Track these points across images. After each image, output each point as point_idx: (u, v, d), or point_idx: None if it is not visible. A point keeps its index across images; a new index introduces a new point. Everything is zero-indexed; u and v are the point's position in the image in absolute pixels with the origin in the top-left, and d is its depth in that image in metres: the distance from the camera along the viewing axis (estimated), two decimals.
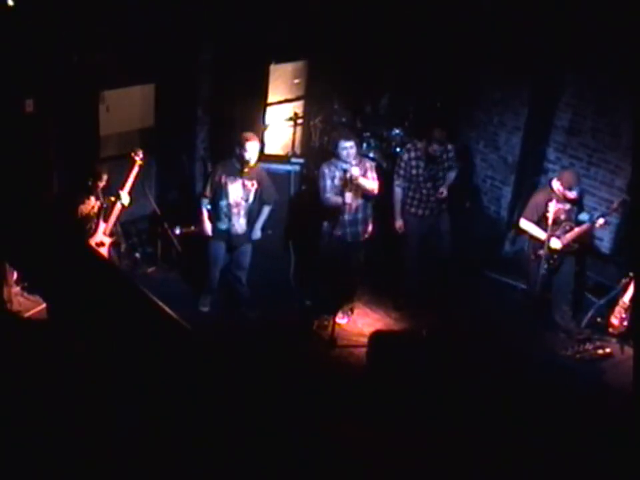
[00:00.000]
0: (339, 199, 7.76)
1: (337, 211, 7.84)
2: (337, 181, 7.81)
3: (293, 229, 9.24)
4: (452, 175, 8.56)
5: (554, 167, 9.80)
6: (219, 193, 7.78)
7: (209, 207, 7.89)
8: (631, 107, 8.31)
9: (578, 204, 8.18)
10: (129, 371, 2.47)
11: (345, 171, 7.71)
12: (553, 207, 7.88)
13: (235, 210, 7.81)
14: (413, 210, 8.48)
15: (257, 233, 8.02)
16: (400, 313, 8.59)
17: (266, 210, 7.99)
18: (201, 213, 7.91)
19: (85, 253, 3.04)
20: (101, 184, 7.52)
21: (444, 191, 8.39)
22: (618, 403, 7.12)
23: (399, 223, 8.48)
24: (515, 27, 9.39)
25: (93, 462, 2.71)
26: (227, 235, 7.92)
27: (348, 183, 7.71)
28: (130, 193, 7.65)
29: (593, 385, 7.76)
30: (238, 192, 7.78)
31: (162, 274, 8.82)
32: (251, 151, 7.68)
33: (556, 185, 8.03)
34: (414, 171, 8.34)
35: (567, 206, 8.03)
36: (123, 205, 7.63)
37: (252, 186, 7.79)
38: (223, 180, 7.75)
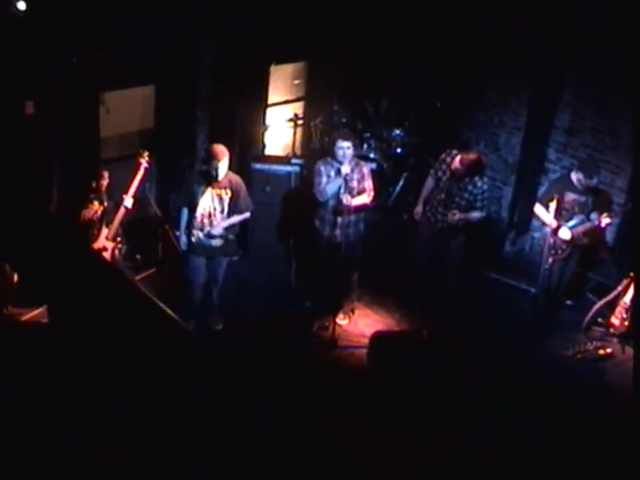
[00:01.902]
0: (334, 187, 7.75)
1: (331, 209, 7.88)
2: (331, 179, 7.82)
3: (294, 230, 9.23)
4: (474, 215, 8.01)
5: (554, 167, 9.81)
6: (195, 202, 7.52)
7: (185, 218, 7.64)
8: (631, 106, 8.32)
9: (594, 201, 8.10)
10: (130, 372, 2.47)
11: (339, 202, 7.71)
12: (567, 196, 7.98)
13: (206, 221, 7.54)
14: (428, 215, 8.29)
15: (217, 229, 7.55)
16: (401, 313, 8.58)
17: (240, 216, 7.66)
18: (179, 226, 7.70)
19: (85, 256, 3.04)
20: (104, 182, 7.49)
21: (457, 214, 7.90)
22: (619, 403, 7.12)
23: (418, 208, 8.33)
24: (515, 27, 9.39)
25: (92, 462, 2.71)
26: (201, 246, 7.66)
27: (341, 210, 7.75)
28: (134, 196, 7.58)
29: (594, 385, 7.75)
30: (210, 202, 7.50)
31: (163, 276, 8.81)
32: (222, 167, 7.36)
33: (575, 176, 8.04)
34: (439, 173, 8.13)
35: (582, 198, 8.04)
36: (126, 208, 7.53)
37: (225, 195, 7.49)
38: (196, 189, 7.51)
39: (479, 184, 7.95)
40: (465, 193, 7.96)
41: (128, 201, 7.50)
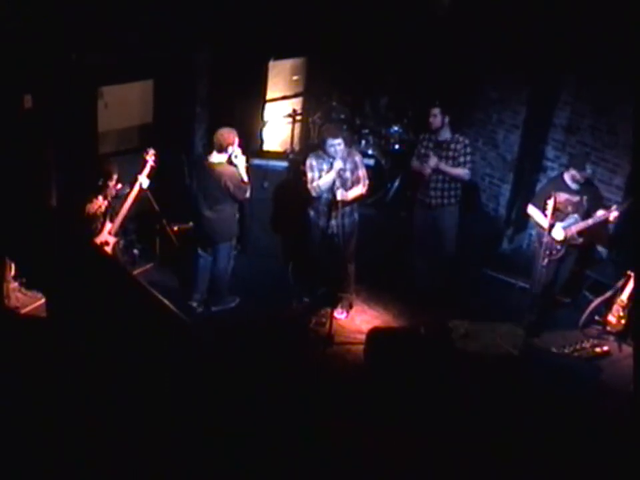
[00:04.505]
0: (329, 181, 7.77)
1: (325, 201, 7.91)
2: (324, 174, 7.83)
3: (291, 225, 9.23)
4: (459, 171, 8.31)
5: (552, 164, 9.81)
6: None
7: None
8: (630, 104, 8.31)
9: (589, 199, 8.08)
10: (130, 365, 2.47)
11: (334, 196, 7.78)
12: (559, 197, 7.93)
13: None
14: (419, 196, 8.58)
15: None
16: (398, 309, 8.59)
17: None
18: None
19: (86, 249, 3.04)
20: (111, 183, 7.52)
21: (435, 161, 8.23)
22: (616, 400, 7.13)
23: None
24: (514, 25, 9.38)
25: (92, 462, 2.71)
26: None
27: (336, 205, 7.80)
28: (149, 176, 7.67)
29: (590, 383, 7.76)
30: None
31: (160, 270, 8.82)
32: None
33: (567, 175, 8.04)
34: (423, 151, 8.44)
35: (576, 198, 8.02)
36: (141, 188, 7.62)
37: None
38: None
39: (461, 139, 8.38)
40: (449, 152, 8.29)
41: (144, 180, 7.60)
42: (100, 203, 7.53)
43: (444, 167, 8.26)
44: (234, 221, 8.07)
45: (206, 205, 7.84)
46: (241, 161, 7.73)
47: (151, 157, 7.69)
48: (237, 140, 7.72)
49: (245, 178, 7.78)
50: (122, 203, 7.59)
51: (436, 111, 8.23)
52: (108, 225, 7.57)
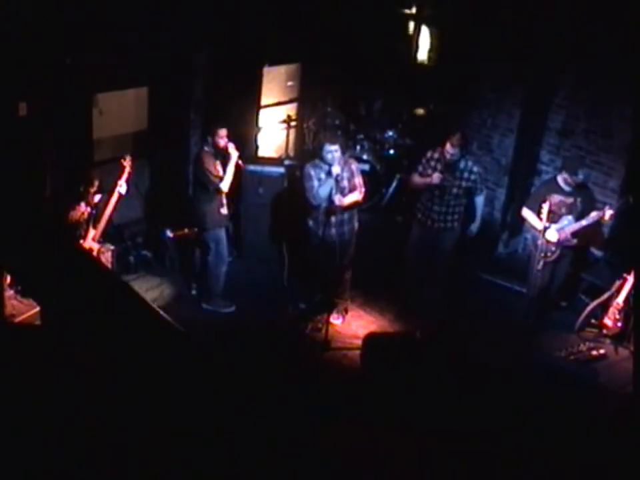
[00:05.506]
0: (327, 189, 7.78)
1: (324, 210, 7.89)
2: (323, 182, 7.82)
3: (286, 231, 9.23)
4: (480, 200, 8.43)
5: (547, 168, 9.83)
6: None
7: None
8: (629, 105, 8.34)
9: (582, 200, 8.10)
10: (123, 375, 2.46)
11: (332, 203, 7.81)
12: (553, 199, 7.93)
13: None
14: (419, 215, 8.41)
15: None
16: (394, 314, 8.58)
17: None
18: None
19: (79, 257, 3.04)
20: (92, 190, 7.54)
21: (439, 177, 8.06)
22: (612, 403, 7.13)
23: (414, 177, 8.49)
24: (508, 29, 9.40)
25: (90, 464, 2.71)
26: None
27: (334, 210, 7.84)
28: (127, 182, 7.74)
29: (588, 386, 7.75)
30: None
31: (156, 277, 8.81)
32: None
33: (561, 177, 8.06)
34: (430, 171, 8.19)
35: (569, 200, 8.03)
36: (119, 194, 7.68)
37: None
38: None
39: (475, 169, 8.26)
40: (462, 181, 8.18)
41: (122, 187, 7.67)
42: (82, 210, 7.56)
43: (475, 228, 8.49)
44: (209, 212, 8.04)
45: (193, 190, 8.42)
46: (232, 154, 7.89)
47: (128, 164, 7.76)
48: (220, 132, 7.86)
49: (229, 172, 7.93)
50: (103, 209, 7.63)
51: (456, 150, 8.05)
52: (91, 232, 7.60)
